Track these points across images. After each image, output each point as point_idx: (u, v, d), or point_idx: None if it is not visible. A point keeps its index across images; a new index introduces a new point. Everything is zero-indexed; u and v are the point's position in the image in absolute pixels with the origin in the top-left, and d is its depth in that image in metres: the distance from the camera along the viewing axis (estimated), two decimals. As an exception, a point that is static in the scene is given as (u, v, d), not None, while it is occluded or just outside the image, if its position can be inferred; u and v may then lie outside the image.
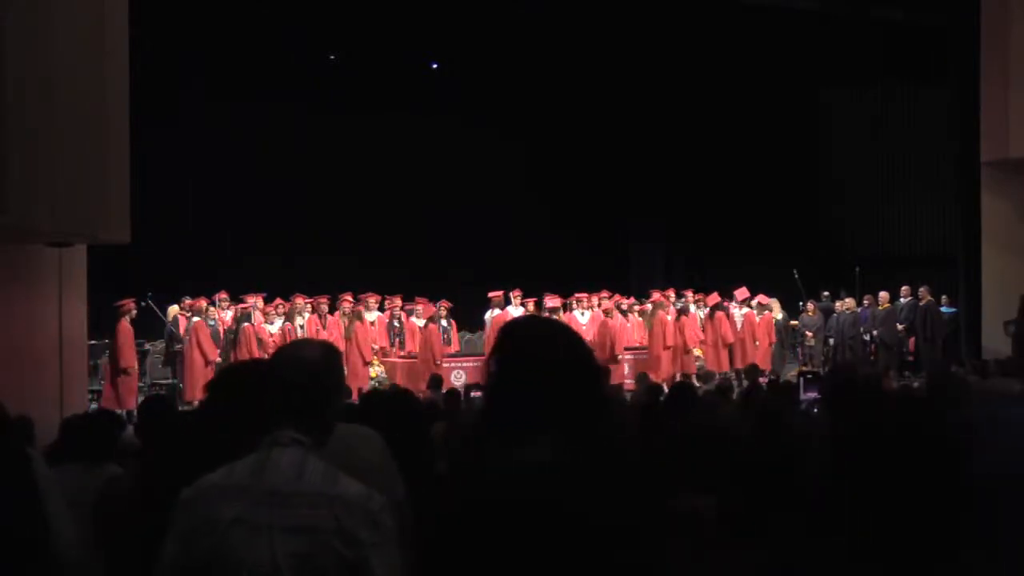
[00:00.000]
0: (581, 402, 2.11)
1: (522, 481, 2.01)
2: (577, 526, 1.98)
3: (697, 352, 17.06)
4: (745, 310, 17.92)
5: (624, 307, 17.41)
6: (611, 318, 16.64)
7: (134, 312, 13.99)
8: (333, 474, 2.45)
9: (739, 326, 17.80)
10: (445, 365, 15.20)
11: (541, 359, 2.15)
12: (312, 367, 2.53)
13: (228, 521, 2.40)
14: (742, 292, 18.02)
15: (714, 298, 17.70)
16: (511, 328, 2.32)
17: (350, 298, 15.92)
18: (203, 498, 2.46)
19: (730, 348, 17.55)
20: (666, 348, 16.52)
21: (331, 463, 2.49)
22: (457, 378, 14.82)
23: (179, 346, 14.79)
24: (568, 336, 2.23)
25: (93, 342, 13.33)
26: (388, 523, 2.43)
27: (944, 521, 1.76)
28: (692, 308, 17.39)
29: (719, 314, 17.55)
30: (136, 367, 14.01)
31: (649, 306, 17.19)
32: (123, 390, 13.44)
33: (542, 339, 2.21)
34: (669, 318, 16.71)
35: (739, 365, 17.09)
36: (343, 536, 2.37)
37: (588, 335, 16.33)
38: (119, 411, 11.77)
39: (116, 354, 13.52)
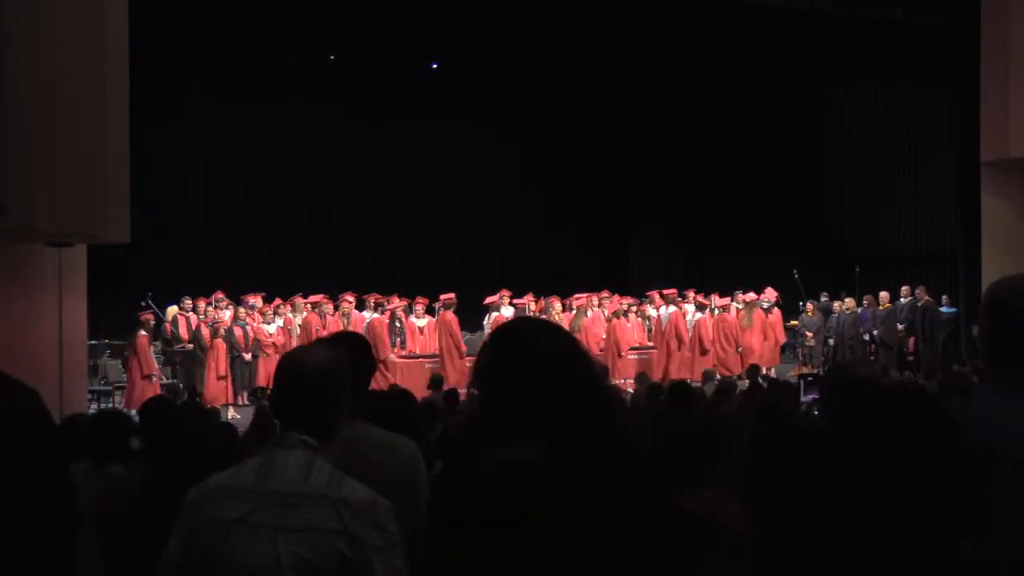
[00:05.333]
0: (572, 401, 2.09)
1: (501, 482, 2.00)
2: (557, 526, 1.97)
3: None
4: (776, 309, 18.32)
5: (624, 307, 17.44)
6: (618, 319, 16.75)
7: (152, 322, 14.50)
8: (339, 477, 2.46)
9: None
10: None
11: (525, 359, 2.14)
12: (318, 371, 2.55)
13: (232, 521, 2.42)
14: (771, 292, 18.22)
15: (771, 294, 17.90)
16: (499, 330, 2.32)
17: (350, 298, 15.89)
18: (209, 498, 2.48)
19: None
20: (765, 340, 17.57)
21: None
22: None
23: (179, 346, 14.81)
24: (556, 336, 2.19)
25: (93, 342, 13.32)
26: (392, 528, 2.44)
27: (952, 518, 1.74)
28: (692, 309, 17.45)
29: (777, 311, 18.05)
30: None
31: (651, 310, 17.30)
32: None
33: (527, 339, 2.19)
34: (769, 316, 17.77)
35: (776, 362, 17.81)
36: (348, 538, 2.38)
37: (587, 335, 16.34)
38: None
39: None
